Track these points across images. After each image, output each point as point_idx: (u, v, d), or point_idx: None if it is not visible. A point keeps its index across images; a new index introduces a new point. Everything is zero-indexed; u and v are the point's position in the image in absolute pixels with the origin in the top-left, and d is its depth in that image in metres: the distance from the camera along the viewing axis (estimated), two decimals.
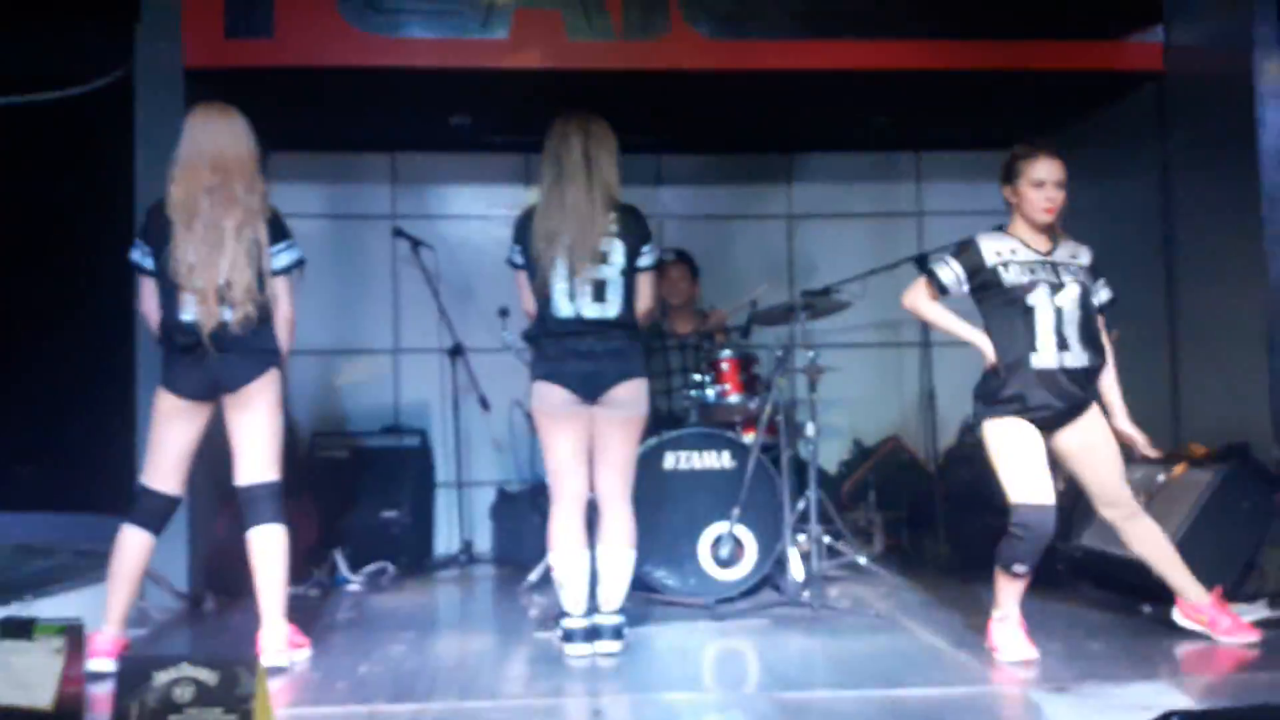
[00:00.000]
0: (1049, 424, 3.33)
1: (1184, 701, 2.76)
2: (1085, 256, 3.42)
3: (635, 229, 3.52)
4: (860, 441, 5.63)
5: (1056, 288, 3.30)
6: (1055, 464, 3.38)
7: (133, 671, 1.57)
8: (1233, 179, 4.30)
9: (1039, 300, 3.28)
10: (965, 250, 3.39)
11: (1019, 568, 3.28)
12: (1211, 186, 4.49)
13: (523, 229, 3.53)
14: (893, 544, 4.84)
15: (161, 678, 1.57)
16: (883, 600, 4.17)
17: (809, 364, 4.47)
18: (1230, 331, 4.37)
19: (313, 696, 3.02)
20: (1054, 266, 3.34)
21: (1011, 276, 3.31)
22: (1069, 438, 3.36)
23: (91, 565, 4.24)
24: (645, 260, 3.55)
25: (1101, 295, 3.44)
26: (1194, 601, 3.45)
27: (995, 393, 3.32)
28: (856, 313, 4.78)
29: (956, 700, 2.92)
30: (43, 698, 1.56)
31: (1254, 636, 3.35)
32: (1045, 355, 3.27)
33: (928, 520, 4.74)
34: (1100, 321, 3.44)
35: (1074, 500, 4.45)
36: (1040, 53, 4.65)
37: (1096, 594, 4.23)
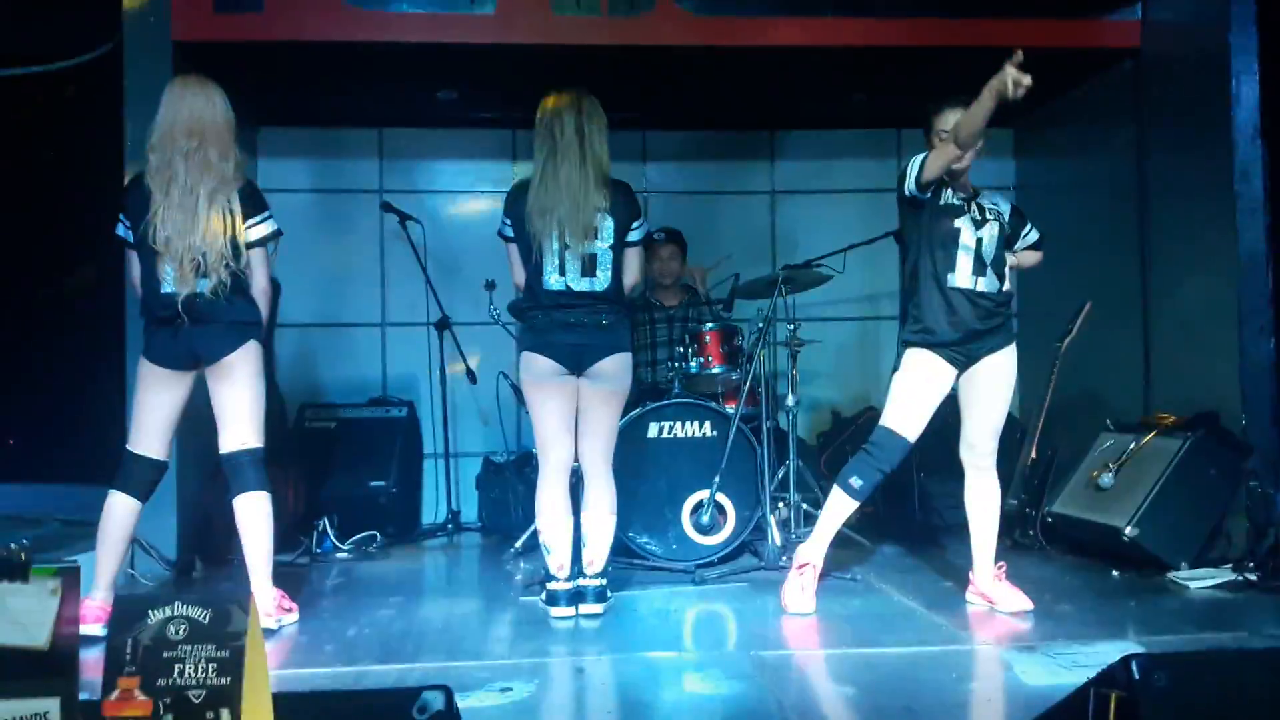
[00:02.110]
0: (964, 358, 3.51)
1: None
2: (1005, 205, 3.63)
3: (625, 205, 3.57)
4: (838, 412, 5.71)
5: (979, 223, 3.51)
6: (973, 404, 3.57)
7: (127, 610, 1.63)
8: (1207, 154, 4.38)
9: (964, 226, 3.49)
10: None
11: (855, 480, 3.52)
12: (1186, 161, 4.56)
13: (514, 202, 3.57)
14: (869, 511, 4.91)
15: (156, 615, 1.63)
16: (859, 565, 4.26)
17: (790, 336, 4.55)
18: (1201, 304, 4.45)
19: (301, 659, 3.09)
20: (977, 205, 3.54)
21: (948, 196, 3.52)
22: (979, 372, 3.53)
23: (79, 534, 4.29)
24: (634, 236, 3.61)
25: (1030, 236, 3.70)
26: (980, 580, 3.60)
27: (916, 319, 3.54)
28: (836, 286, 4.85)
29: (930, 658, 3.01)
30: (39, 637, 1.61)
31: (1027, 605, 3.48)
32: (962, 277, 3.48)
33: (903, 488, 4.83)
34: (1038, 256, 3.76)
35: (1046, 469, 4.57)
36: (1019, 30, 4.67)
37: (1068, 559, 4.33)
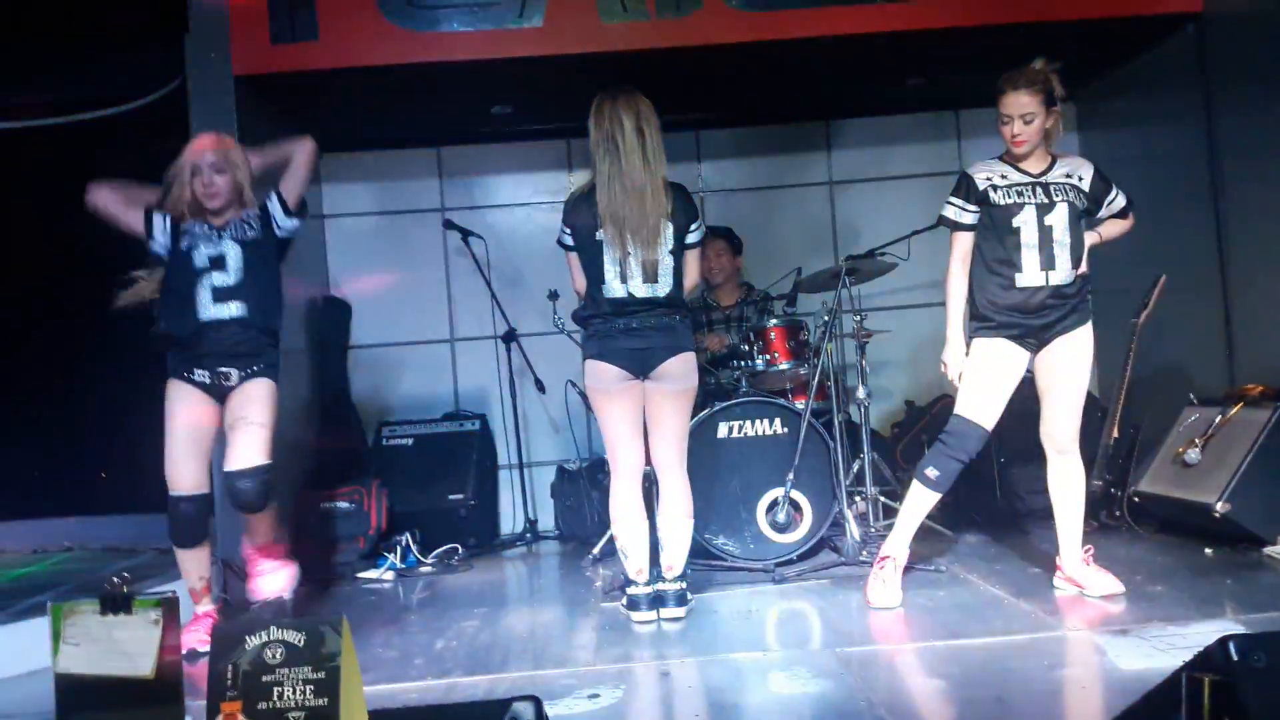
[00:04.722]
0: (1036, 341, 3.45)
1: None
2: (1086, 173, 3.47)
3: (684, 208, 3.56)
4: (912, 402, 5.63)
5: (1045, 208, 3.38)
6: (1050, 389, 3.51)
7: (226, 637, 1.69)
8: (1277, 115, 4.24)
9: (1026, 221, 3.38)
10: (960, 185, 3.51)
11: (931, 471, 3.47)
12: (1256, 123, 4.42)
13: (574, 210, 3.57)
14: (948, 501, 4.85)
15: (253, 641, 1.69)
16: (942, 555, 4.20)
17: (856, 327, 4.51)
18: None
19: (391, 673, 3.14)
20: (1045, 187, 3.41)
21: (999, 198, 3.42)
22: (1053, 354, 3.47)
23: (174, 562, 4.43)
24: (693, 238, 3.60)
25: (1117, 203, 3.53)
26: (1068, 565, 3.53)
27: (985, 316, 3.48)
28: (903, 274, 4.80)
29: (1020, 647, 2.96)
30: (144, 666, 1.68)
31: (1118, 588, 3.40)
32: (1030, 275, 3.39)
33: (984, 475, 4.75)
34: (1126, 224, 3.59)
35: (1130, 448, 4.46)
36: (1076, 1, 4.60)
37: (1157, 538, 4.23)
